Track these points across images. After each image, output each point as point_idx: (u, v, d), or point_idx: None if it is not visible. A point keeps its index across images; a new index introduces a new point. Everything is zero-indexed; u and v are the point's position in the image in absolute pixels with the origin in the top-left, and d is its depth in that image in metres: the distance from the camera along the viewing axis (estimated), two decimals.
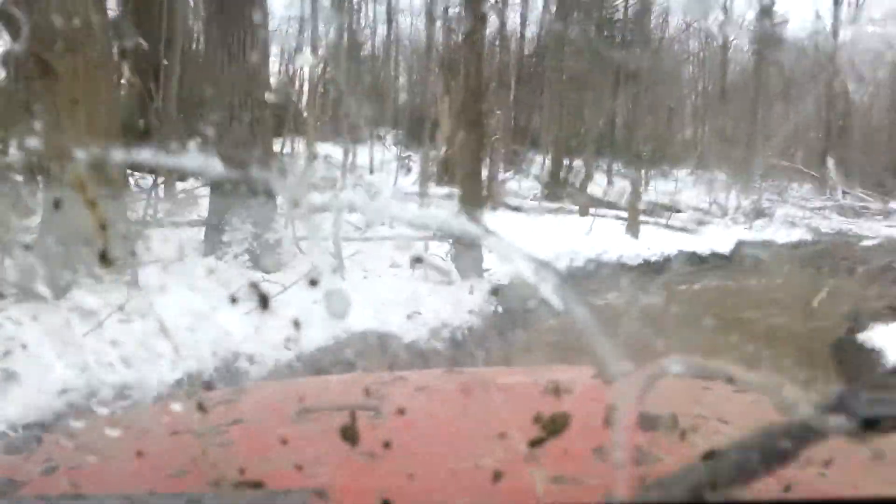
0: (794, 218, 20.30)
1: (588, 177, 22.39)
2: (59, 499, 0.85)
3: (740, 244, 14.37)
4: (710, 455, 0.73)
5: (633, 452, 0.80)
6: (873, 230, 20.57)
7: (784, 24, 36.17)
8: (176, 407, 0.96)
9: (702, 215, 18.48)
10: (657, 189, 22.16)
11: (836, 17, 30.22)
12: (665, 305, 7.15)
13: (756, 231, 17.04)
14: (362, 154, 18.69)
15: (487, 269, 8.22)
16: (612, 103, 28.86)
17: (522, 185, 21.64)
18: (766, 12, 31.69)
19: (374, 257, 7.93)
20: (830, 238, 15.65)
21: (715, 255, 13.25)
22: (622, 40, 30.22)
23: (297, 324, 2.96)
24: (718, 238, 14.90)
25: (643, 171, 25.09)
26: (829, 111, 30.14)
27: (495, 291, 6.96)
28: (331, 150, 15.82)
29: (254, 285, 0.87)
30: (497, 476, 0.79)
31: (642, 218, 13.90)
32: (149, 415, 1.09)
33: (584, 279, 9.11)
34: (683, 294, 9.75)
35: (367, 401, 1.07)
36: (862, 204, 24.90)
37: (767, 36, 31.64)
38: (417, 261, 7.23)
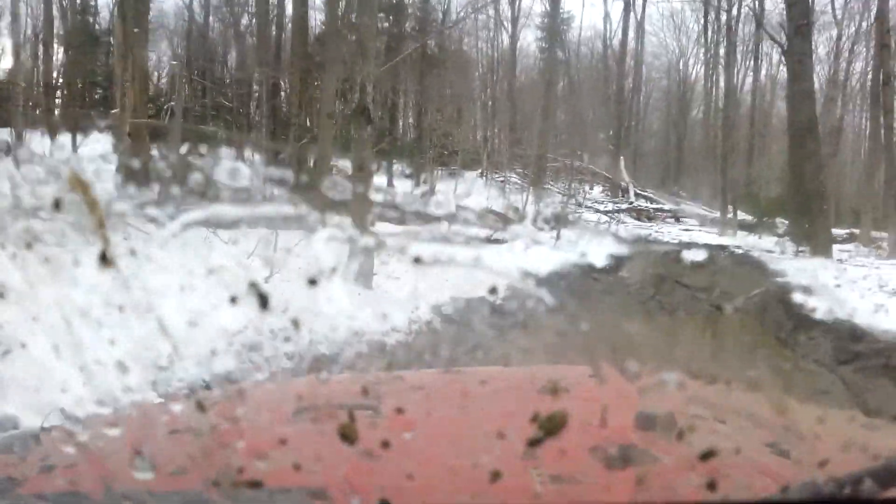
0: (593, 224, 16.66)
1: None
2: (58, 497, 0.83)
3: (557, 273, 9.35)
4: (708, 455, 0.74)
5: (630, 452, 0.82)
6: (674, 235, 17.73)
7: (570, 20, 33.92)
8: (175, 406, 0.89)
9: (496, 225, 13.81)
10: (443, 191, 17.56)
11: (625, 20, 27.94)
12: None
13: (566, 245, 12.61)
14: None
15: None
16: (393, 94, 24.28)
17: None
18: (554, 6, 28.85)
19: None
20: (646, 250, 11.66)
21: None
22: (405, 25, 26.01)
23: None
24: (524, 260, 9.59)
25: (431, 172, 20.47)
26: (618, 112, 27.72)
27: None
28: None
29: (253, 284, 0.74)
30: (495, 475, 0.78)
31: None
32: (148, 414, 0.97)
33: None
34: None
35: (365, 400, 1.03)
36: (656, 206, 22.19)
37: (555, 31, 28.72)
38: None
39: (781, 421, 0.79)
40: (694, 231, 20.43)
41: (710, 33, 30.90)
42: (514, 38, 31.15)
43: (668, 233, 19.52)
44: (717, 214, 21.25)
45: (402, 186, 20.40)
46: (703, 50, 32.57)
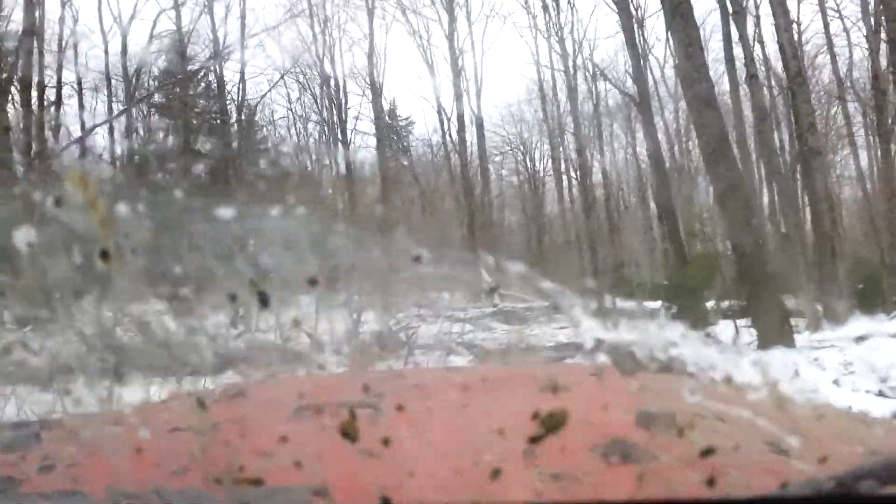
0: (448, 336, 11.89)
1: None
2: (59, 496, 0.80)
3: None
4: (708, 452, 0.76)
5: (631, 449, 0.83)
6: (550, 336, 13.67)
7: (411, 125, 31.35)
8: (175, 404, 0.90)
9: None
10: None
11: (460, 117, 25.75)
12: None
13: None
14: None
15: None
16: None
17: None
18: (391, 114, 26.17)
19: None
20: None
21: None
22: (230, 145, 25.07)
23: None
24: None
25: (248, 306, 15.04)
26: (469, 208, 24.77)
27: None
28: None
29: (253, 283, 0.72)
30: (496, 473, 0.78)
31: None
32: (148, 412, 0.93)
33: None
34: None
35: (366, 398, 1.00)
36: (524, 305, 18.42)
37: (383, 141, 26.02)
38: None
39: (781, 419, 0.74)
40: (572, 328, 16.75)
41: (549, 120, 29.05)
42: (346, 143, 27.62)
43: (544, 335, 15.67)
44: (594, 304, 17.97)
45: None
46: (546, 142, 30.84)
